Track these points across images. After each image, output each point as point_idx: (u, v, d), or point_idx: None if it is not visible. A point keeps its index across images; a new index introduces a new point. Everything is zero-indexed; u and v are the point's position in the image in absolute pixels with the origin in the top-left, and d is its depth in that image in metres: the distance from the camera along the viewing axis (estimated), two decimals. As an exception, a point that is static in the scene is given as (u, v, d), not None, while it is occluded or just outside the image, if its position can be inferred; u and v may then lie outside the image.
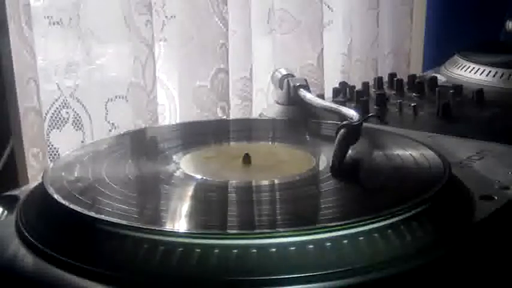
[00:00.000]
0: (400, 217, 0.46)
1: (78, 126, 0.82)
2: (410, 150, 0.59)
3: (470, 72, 0.99)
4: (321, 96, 0.83)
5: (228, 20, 0.93)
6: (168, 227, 0.45)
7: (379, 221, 0.45)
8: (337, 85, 0.90)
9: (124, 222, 0.44)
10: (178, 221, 0.47)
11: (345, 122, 0.59)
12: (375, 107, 0.82)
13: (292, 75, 0.77)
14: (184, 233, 0.44)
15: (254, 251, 0.42)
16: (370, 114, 0.69)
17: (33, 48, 0.74)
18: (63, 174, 0.54)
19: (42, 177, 0.53)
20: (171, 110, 0.95)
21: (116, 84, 0.84)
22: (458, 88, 0.88)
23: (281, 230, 0.44)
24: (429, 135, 0.68)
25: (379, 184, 0.53)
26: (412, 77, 0.94)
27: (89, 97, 0.82)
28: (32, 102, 0.74)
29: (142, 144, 0.65)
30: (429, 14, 1.42)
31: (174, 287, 0.41)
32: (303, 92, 0.74)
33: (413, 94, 0.90)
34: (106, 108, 0.84)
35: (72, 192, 0.50)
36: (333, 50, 1.17)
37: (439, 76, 0.97)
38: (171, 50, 0.92)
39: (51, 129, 0.81)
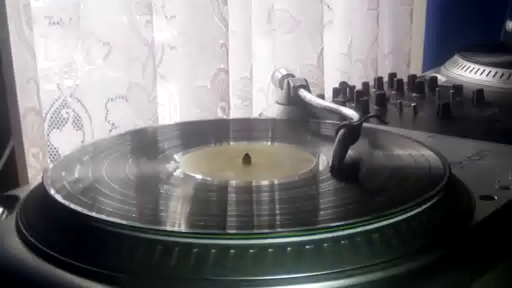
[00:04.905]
0: (400, 217, 0.46)
1: (78, 126, 0.82)
2: (410, 150, 0.59)
3: (470, 72, 0.99)
4: (321, 96, 0.83)
5: (228, 20, 0.93)
6: (167, 226, 0.45)
7: (379, 222, 0.45)
8: (337, 85, 0.90)
9: (124, 222, 0.44)
10: (178, 220, 0.47)
11: (344, 122, 0.59)
12: (375, 107, 0.83)
13: (292, 75, 0.77)
14: (184, 232, 0.44)
15: (253, 251, 0.42)
16: (370, 114, 0.70)
17: (33, 48, 0.74)
18: (63, 174, 0.54)
19: (42, 177, 0.53)
20: (171, 110, 0.94)
21: (116, 84, 0.84)
22: (458, 88, 0.88)
23: (280, 230, 0.44)
24: (429, 135, 0.68)
25: (379, 184, 0.53)
26: (412, 77, 0.94)
27: (89, 97, 0.82)
28: (32, 102, 0.74)
29: (142, 144, 0.65)
30: (429, 14, 1.42)
31: (174, 287, 0.41)
32: (303, 92, 0.74)
33: (413, 94, 0.90)
34: (106, 108, 0.84)
35: (72, 192, 0.50)
36: (333, 50, 1.17)
37: (439, 76, 0.97)
38: (171, 50, 0.92)
39: (51, 129, 0.81)
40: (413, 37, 1.37)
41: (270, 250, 0.42)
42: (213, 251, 0.42)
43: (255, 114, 0.98)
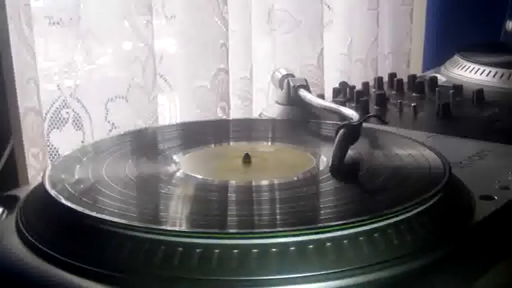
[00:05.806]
0: (400, 217, 0.46)
1: (78, 126, 0.82)
2: (410, 150, 0.59)
3: (470, 72, 0.99)
4: (321, 96, 0.83)
5: (228, 20, 0.93)
6: (168, 226, 0.45)
7: (379, 221, 0.45)
8: (337, 85, 0.90)
9: (124, 222, 0.44)
10: (179, 220, 0.47)
11: (344, 122, 0.59)
12: (375, 107, 0.83)
13: (292, 75, 0.77)
14: (185, 232, 0.44)
15: (254, 250, 0.42)
16: (370, 114, 0.70)
17: (33, 48, 0.74)
18: (63, 174, 0.54)
19: (42, 177, 0.53)
20: (171, 110, 0.95)
21: (116, 84, 0.84)
22: (458, 88, 0.88)
23: (281, 229, 0.44)
24: (429, 135, 0.68)
25: (379, 184, 0.53)
26: (412, 77, 0.94)
27: (89, 97, 0.82)
28: (32, 102, 0.74)
29: (142, 144, 0.65)
30: (429, 14, 1.42)
31: (174, 287, 0.41)
32: (303, 92, 0.74)
33: (413, 94, 0.90)
34: (106, 108, 0.84)
35: (72, 192, 0.50)
36: (333, 50, 1.17)
37: (439, 76, 0.97)
38: (171, 50, 0.92)
39: (51, 129, 0.81)
40: (413, 37, 1.37)
41: (271, 250, 0.42)
42: (213, 251, 0.42)
43: (255, 114, 0.98)
